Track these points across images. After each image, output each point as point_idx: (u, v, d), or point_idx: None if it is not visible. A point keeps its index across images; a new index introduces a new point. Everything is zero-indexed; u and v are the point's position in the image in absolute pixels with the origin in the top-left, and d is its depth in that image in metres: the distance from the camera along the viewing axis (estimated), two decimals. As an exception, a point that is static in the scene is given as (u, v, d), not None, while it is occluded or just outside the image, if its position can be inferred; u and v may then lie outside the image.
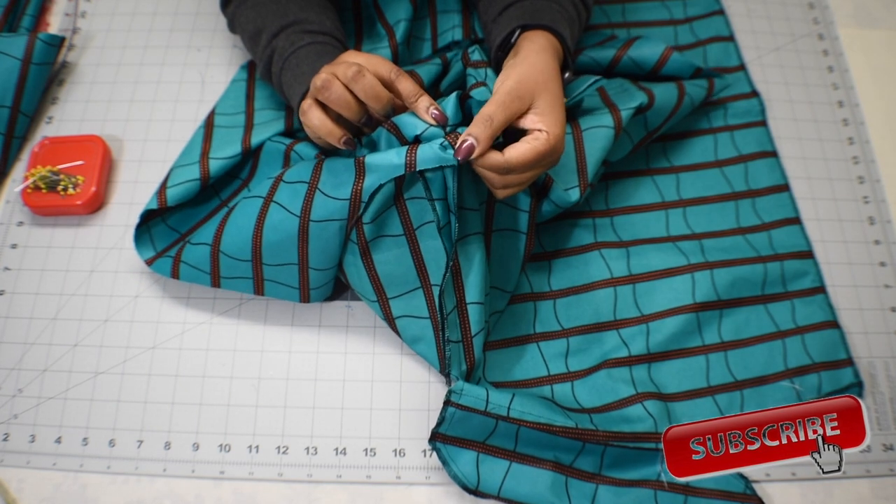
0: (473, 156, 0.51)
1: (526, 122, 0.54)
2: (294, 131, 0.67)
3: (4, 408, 0.61)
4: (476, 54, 0.64)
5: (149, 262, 0.64)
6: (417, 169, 0.53)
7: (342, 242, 0.58)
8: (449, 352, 0.57)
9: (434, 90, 0.68)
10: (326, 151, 0.63)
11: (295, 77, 0.61)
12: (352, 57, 0.56)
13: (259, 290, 0.62)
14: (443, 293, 0.57)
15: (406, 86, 0.55)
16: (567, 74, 0.62)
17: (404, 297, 0.59)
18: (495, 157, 0.52)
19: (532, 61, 0.56)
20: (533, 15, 0.61)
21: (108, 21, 0.79)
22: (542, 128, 0.53)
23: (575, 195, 0.61)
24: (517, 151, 0.52)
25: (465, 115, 0.57)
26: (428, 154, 0.53)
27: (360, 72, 0.53)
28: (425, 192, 0.55)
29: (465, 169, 0.56)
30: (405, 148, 0.54)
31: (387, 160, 0.54)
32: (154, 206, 0.63)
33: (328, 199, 0.56)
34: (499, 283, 0.63)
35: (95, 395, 0.62)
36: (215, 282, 0.63)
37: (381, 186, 0.54)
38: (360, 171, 0.55)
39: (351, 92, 0.55)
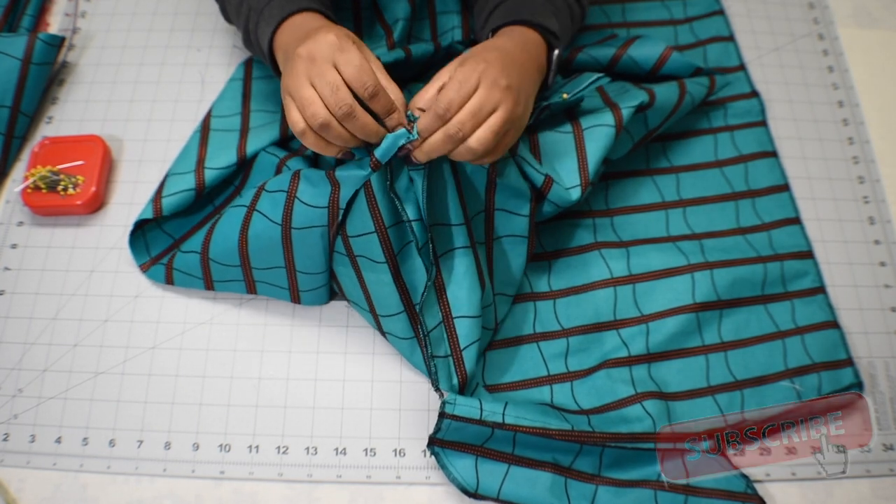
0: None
1: None
2: (290, 137, 0.67)
3: (4, 408, 0.61)
4: None
5: (143, 268, 0.65)
6: (382, 162, 0.53)
7: (326, 247, 0.59)
8: (434, 367, 0.58)
9: (424, 71, 0.68)
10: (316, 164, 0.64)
11: (267, 24, 0.59)
12: (327, 50, 0.51)
13: (252, 290, 0.64)
14: (422, 311, 0.57)
15: (382, 104, 0.52)
16: (556, 52, 0.61)
17: (390, 319, 0.60)
18: (427, 113, 0.51)
19: (476, 46, 0.57)
20: (511, 13, 0.61)
21: (108, 21, 0.79)
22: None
23: (576, 194, 0.61)
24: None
25: None
26: (382, 146, 0.53)
27: (350, 113, 0.50)
28: (401, 212, 0.55)
29: (448, 185, 0.57)
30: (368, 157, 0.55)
31: (355, 172, 0.55)
32: (149, 215, 0.64)
33: (308, 208, 0.57)
34: (501, 289, 0.63)
35: (95, 395, 0.62)
36: (209, 286, 0.64)
37: (357, 192, 0.55)
38: (335, 182, 0.56)
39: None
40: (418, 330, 0.59)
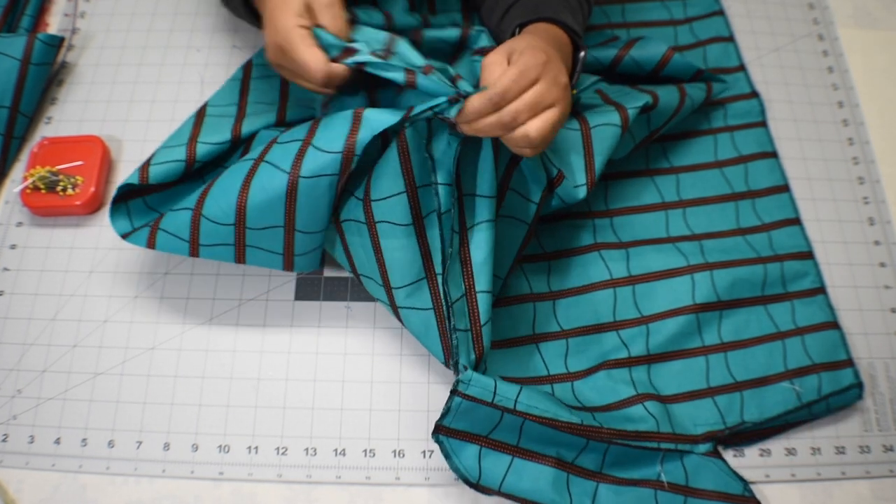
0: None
1: None
2: (286, 123, 0.66)
3: (4, 408, 0.61)
4: (484, 38, 0.63)
5: (125, 236, 0.61)
6: (412, 115, 0.52)
7: (332, 200, 0.57)
8: (456, 340, 0.56)
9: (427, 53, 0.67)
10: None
11: None
12: (276, 56, 0.56)
13: (240, 257, 0.60)
14: (446, 280, 0.56)
15: (338, 82, 0.55)
16: (582, 54, 0.61)
17: (408, 289, 0.58)
18: (480, 96, 0.50)
19: (519, 37, 0.57)
20: (533, 10, 0.61)
21: (107, 21, 0.79)
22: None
23: (582, 193, 0.61)
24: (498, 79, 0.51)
25: None
26: (418, 108, 0.52)
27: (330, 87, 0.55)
28: (431, 173, 0.54)
29: (487, 157, 0.56)
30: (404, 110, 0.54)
31: (385, 114, 0.54)
32: (135, 180, 0.60)
33: (321, 153, 0.55)
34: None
35: (95, 395, 0.61)
36: (194, 250, 0.59)
37: (385, 154, 0.55)
38: (357, 122, 0.55)
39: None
40: (439, 301, 0.57)
